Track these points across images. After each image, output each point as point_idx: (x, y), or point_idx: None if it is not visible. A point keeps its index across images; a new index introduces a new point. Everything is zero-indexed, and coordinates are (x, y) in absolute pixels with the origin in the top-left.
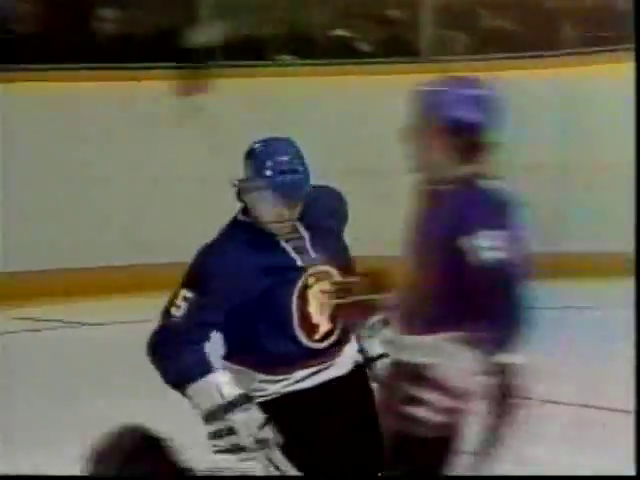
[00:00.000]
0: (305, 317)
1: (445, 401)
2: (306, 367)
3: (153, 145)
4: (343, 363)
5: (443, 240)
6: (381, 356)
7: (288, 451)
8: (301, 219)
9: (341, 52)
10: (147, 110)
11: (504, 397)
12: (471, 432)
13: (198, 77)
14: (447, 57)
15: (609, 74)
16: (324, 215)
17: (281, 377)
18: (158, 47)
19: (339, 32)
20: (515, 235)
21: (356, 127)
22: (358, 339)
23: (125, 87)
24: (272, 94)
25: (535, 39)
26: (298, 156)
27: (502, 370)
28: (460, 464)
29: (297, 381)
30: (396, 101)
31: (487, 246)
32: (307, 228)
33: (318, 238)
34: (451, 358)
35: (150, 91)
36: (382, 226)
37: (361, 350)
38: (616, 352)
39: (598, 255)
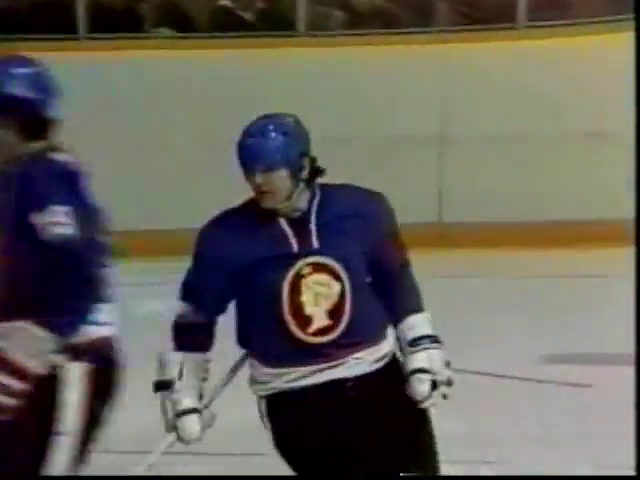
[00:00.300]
0: (296, 306)
1: (18, 384)
2: (307, 364)
3: None
4: (358, 364)
5: (17, 220)
6: (417, 371)
7: (283, 447)
8: (318, 212)
9: (222, 24)
10: None
11: (100, 374)
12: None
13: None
14: (322, 32)
15: (480, 52)
16: (345, 215)
17: (283, 371)
18: (35, 19)
19: (223, 2)
20: (88, 209)
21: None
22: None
23: None
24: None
25: (409, 16)
26: (275, 125)
27: (81, 348)
28: (51, 447)
29: (299, 378)
30: (274, 73)
31: (56, 221)
32: (318, 220)
33: (328, 233)
34: (22, 341)
35: None
36: None
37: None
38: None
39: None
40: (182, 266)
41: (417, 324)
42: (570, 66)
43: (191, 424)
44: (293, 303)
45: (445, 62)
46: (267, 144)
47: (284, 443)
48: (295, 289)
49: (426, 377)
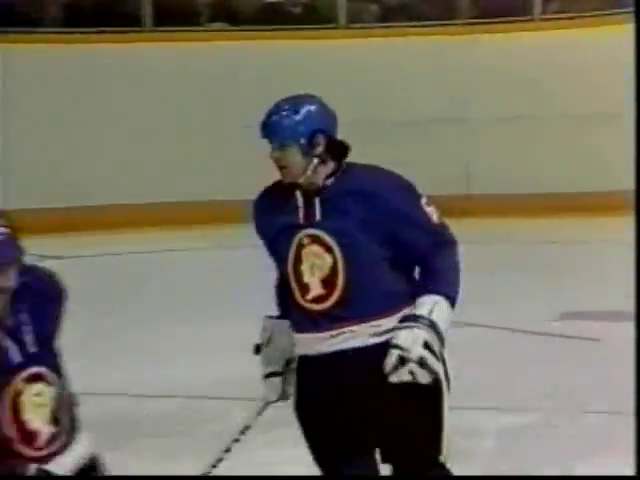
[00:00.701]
0: (298, 274)
1: None
2: (313, 331)
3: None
4: (354, 337)
5: None
6: (391, 346)
7: (297, 409)
8: (330, 187)
9: (271, 18)
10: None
11: None
12: None
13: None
14: (360, 24)
15: (498, 42)
16: (349, 192)
17: (298, 336)
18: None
19: None
20: None
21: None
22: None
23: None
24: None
25: (434, 10)
26: (290, 104)
27: None
28: None
29: (309, 345)
30: (318, 61)
31: None
32: (325, 195)
33: (330, 208)
34: None
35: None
36: None
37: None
38: None
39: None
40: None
41: (421, 304)
42: (579, 54)
43: (270, 386)
44: (296, 271)
45: (468, 52)
46: (279, 122)
47: (297, 405)
48: (297, 258)
49: (395, 352)
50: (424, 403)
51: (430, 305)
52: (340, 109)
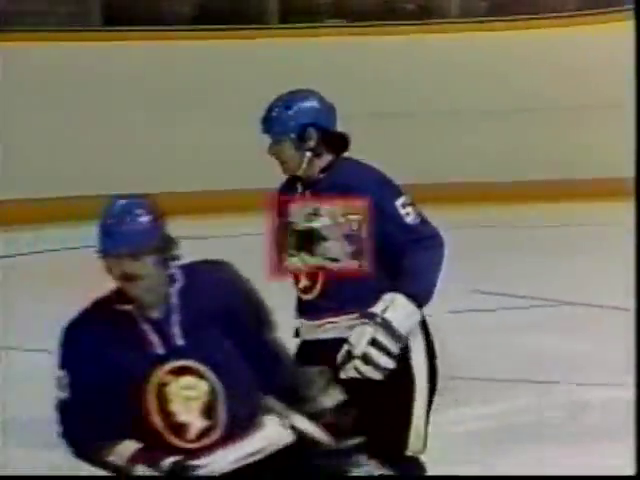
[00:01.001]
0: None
1: None
2: (303, 318)
3: None
4: (334, 328)
5: None
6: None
7: None
8: (322, 181)
9: (386, 14)
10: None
11: None
12: None
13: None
14: (472, 19)
15: (598, 33)
16: (331, 186)
17: (299, 321)
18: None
19: None
20: None
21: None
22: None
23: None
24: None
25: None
26: (282, 101)
27: None
28: None
29: (303, 331)
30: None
31: None
32: (317, 188)
33: (316, 200)
34: None
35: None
36: None
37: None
38: None
39: None
40: None
41: (380, 301)
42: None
43: None
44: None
45: (574, 43)
46: (273, 118)
47: None
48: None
49: (345, 347)
50: (392, 397)
51: (386, 303)
52: (453, 99)
